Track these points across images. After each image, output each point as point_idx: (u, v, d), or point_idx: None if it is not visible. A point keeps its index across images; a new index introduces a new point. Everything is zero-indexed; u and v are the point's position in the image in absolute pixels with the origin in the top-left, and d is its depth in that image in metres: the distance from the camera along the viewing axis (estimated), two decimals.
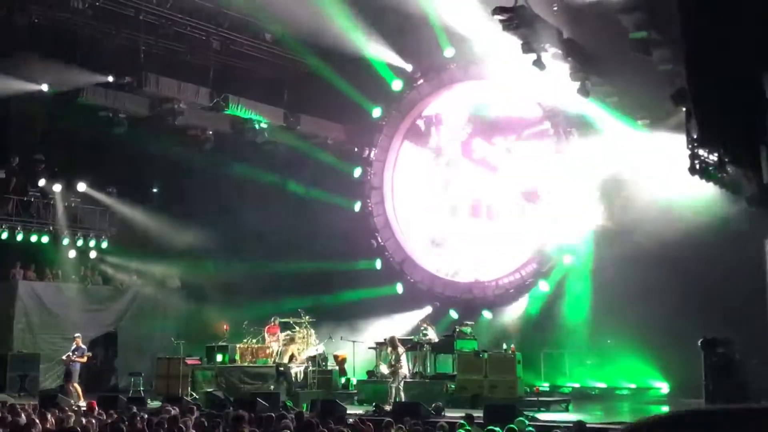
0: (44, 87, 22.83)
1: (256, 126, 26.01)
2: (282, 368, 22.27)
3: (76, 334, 22.00)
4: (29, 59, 22.13)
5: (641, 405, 20.21)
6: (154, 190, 28.83)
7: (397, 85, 26.97)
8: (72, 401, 19.01)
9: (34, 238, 25.19)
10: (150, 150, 25.21)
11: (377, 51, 24.87)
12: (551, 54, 19.48)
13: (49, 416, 12.52)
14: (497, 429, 11.17)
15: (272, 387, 21.64)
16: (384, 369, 21.13)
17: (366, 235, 27.41)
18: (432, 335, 22.07)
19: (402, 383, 19.62)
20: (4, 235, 24.37)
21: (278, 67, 26.67)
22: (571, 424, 13.19)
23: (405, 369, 20.02)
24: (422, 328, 22.36)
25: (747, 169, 15.12)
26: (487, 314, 24.44)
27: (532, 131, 25.19)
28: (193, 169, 26.89)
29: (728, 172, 16.14)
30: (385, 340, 21.14)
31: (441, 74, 26.62)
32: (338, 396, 20.20)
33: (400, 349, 19.88)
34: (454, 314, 24.97)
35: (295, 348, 23.09)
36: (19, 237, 24.74)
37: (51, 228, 25.72)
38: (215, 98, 24.52)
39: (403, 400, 18.96)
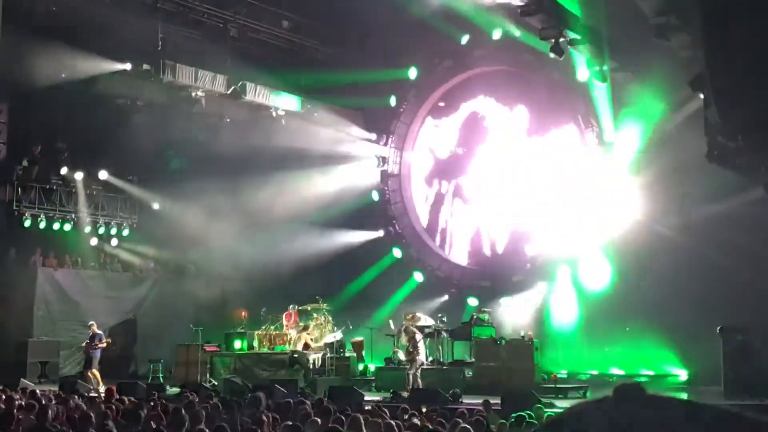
0: (63, 75, 22.96)
1: (274, 113, 26.07)
2: (296, 355, 22.22)
3: (90, 322, 22.19)
4: (48, 47, 22.24)
5: (660, 392, 20.11)
6: (172, 177, 28.83)
7: (413, 73, 26.96)
8: (91, 387, 19.20)
9: (56, 226, 25.37)
10: (169, 137, 25.34)
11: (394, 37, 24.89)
12: (569, 39, 19.36)
13: (69, 402, 12.65)
14: (525, 414, 11.08)
15: (285, 374, 21.64)
16: (401, 356, 21.18)
17: (384, 223, 27.46)
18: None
19: (419, 370, 19.68)
20: (27, 223, 24.57)
21: (295, 55, 26.71)
22: None
23: (422, 356, 20.06)
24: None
25: (766, 155, 15.02)
26: (505, 301, 24.37)
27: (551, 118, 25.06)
28: (210, 155, 26.97)
29: (746, 158, 16.01)
30: (402, 327, 21.19)
31: (458, 61, 26.54)
32: (356, 383, 20.28)
33: (417, 336, 19.92)
34: (472, 301, 24.98)
35: (309, 335, 23.00)
36: (42, 224, 24.93)
37: (73, 216, 25.89)
38: (232, 86, 24.58)
39: (420, 386, 19.02)
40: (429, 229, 27.51)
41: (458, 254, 26.74)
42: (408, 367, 19.82)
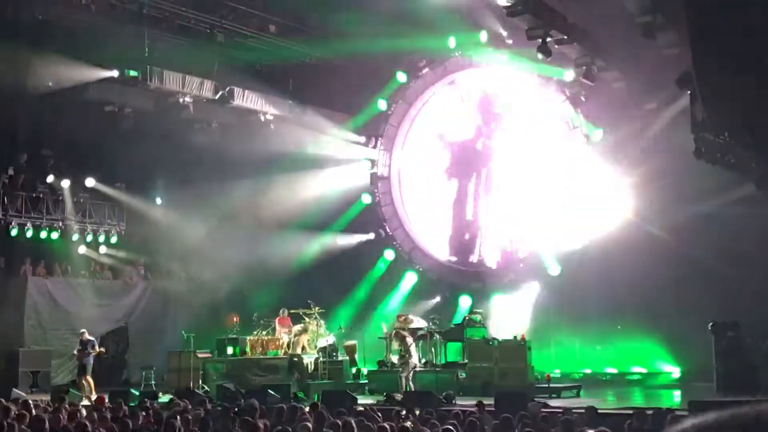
0: (50, 83, 22.86)
1: (262, 118, 25.98)
2: (295, 359, 22.18)
3: (82, 330, 22.04)
4: (34, 56, 22.14)
5: (652, 390, 20.20)
6: (163, 184, 28.72)
7: (401, 76, 26.95)
8: (84, 395, 19.10)
9: (43, 234, 25.16)
10: (157, 144, 25.23)
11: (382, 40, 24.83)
12: (556, 39, 19.41)
13: (63, 411, 12.56)
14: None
15: (278, 379, 21.56)
16: (394, 359, 21.15)
17: (375, 225, 27.43)
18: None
19: (412, 372, 19.65)
20: (14, 232, 24.36)
21: (283, 59, 26.67)
22: (583, 410, 13.19)
23: (415, 358, 20.04)
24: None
25: (754, 151, 15.08)
26: (497, 302, 24.36)
27: (540, 116, 25.09)
28: (200, 162, 26.90)
29: (734, 155, 16.08)
30: (394, 330, 21.15)
31: (445, 62, 26.55)
32: (349, 386, 20.21)
33: (410, 339, 19.90)
34: (464, 302, 24.95)
35: (306, 339, 23.00)
36: (29, 233, 24.73)
37: (60, 224, 25.72)
38: (220, 91, 24.50)
39: (413, 389, 18.99)
40: (420, 230, 27.46)
41: (454, 255, 26.70)
42: (401, 369, 19.79)
